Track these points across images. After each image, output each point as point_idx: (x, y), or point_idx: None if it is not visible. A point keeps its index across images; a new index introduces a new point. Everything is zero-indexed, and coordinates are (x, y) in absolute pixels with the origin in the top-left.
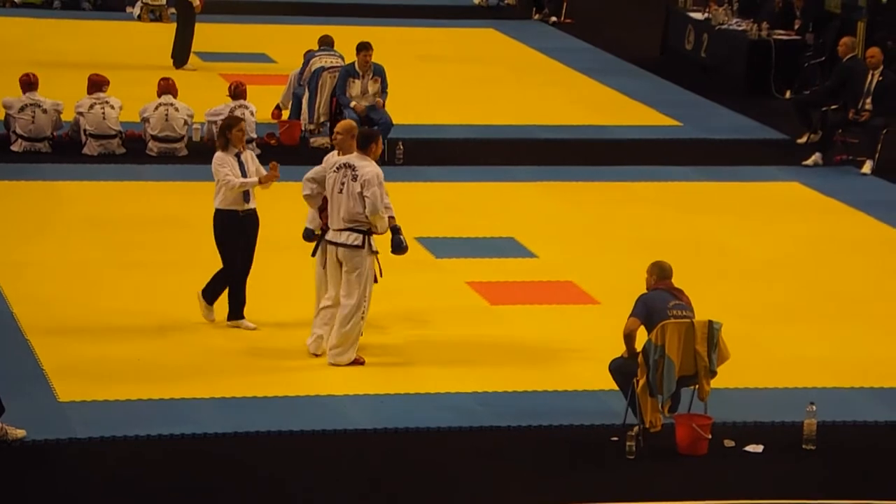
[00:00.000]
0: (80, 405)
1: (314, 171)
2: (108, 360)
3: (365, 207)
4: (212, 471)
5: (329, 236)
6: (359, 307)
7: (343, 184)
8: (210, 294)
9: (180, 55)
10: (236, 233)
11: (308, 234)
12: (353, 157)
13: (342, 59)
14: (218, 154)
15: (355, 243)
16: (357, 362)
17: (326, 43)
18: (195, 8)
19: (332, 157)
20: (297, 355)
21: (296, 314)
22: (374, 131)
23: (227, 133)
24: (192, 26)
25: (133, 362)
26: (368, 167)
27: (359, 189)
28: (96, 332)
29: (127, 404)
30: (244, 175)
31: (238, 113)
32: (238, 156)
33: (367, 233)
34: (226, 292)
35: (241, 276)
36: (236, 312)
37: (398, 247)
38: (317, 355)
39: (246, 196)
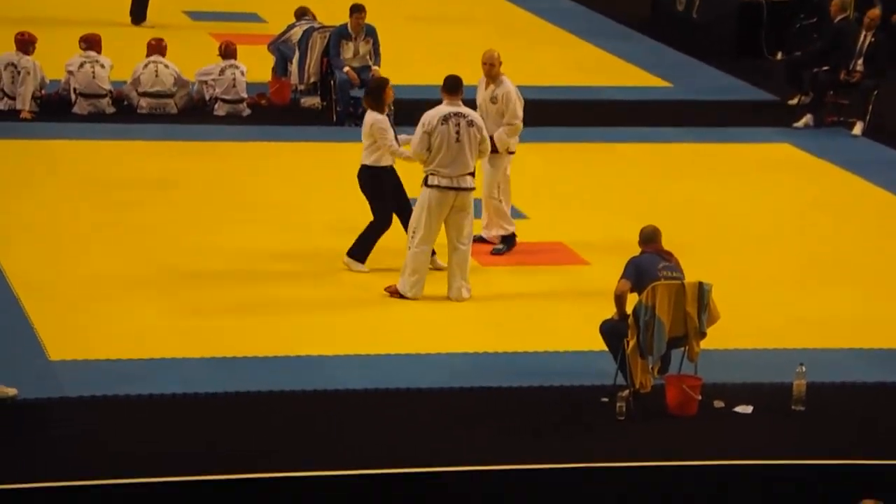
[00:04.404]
0: (71, 364)
1: (419, 129)
2: (98, 319)
3: (481, 152)
4: (202, 430)
5: (448, 183)
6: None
7: (458, 132)
8: (361, 251)
9: (138, 12)
10: (388, 187)
11: None
12: (452, 105)
13: (323, 25)
14: (378, 117)
15: (473, 185)
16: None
17: (303, 14)
18: None
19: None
20: (286, 315)
21: (284, 276)
22: (459, 78)
23: (381, 93)
24: None
25: (123, 322)
26: (472, 111)
27: (478, 136)
28: (87, 291)
29: (117, 363)
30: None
31: (228, 73)
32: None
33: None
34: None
35: (385, 224)
36: (361, 255)
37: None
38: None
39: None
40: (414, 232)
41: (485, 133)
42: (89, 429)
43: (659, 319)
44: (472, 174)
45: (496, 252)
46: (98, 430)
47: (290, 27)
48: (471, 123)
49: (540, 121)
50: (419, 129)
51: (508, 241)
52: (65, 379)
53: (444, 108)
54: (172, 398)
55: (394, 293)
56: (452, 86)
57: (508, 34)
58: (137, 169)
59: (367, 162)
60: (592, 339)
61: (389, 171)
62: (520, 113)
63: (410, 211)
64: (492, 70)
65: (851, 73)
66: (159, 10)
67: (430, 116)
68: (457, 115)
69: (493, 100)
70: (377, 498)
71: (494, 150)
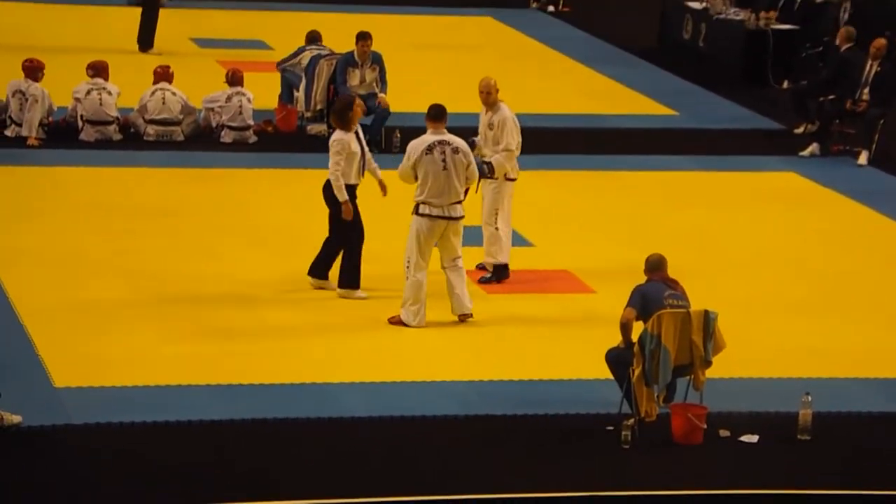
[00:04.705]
0: (76, 391)
1: (406, 162)
2: (104, 345)
3: (468, 178)
4: (207, 458)
5: (439, 213)
6: None
7: (444, 161)
8: (350, 278)
9: (145, 39)
10: (353, 205)
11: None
12: (437, 133)
13: (332, 52)
14: (343, 136)
15: (462, 214)
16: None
17: (314, 39)
18: None
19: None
20: (293, 342)
21: (290, 303)
22: (443, 107)
23: (347, 112)
24: (157, 10)
25: (128, 348)
26: (458, 138)
27: (464, 161)
28: (92, 318)
29: (122, 390)
30: (362, 147)
31: (235, 100)
32: (356, 133)
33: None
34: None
35: (359, 245)
36: (352, 282)
37: (480, 173)
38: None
39: (361, 171)
40: (408, 261)
41: (471, 158)
42: (95, 456)
43: (664, 348)
44: (460, 201)
45: (483, 281)
46: (104, 458)
47: (301, 50)
48: (456, 150)
49: (546, 148)
50: (405, 160)
51: (498, 272)
52: (70, 406)
53: (428, 138)
54: (177, 425)
55: (397, 323)
56: (437, 114)
57: (515, 62)
58: (144, 196)
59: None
60: (598, 368)
61: (353, 190)
62: (516, 139)
63: (360, 237)
64: (488, 98)
65: (857, 102)
66: (167, 38)
67: (415, 146)
68: (441, 143)
69: (491, 126)
70: None
71: (493, 174)
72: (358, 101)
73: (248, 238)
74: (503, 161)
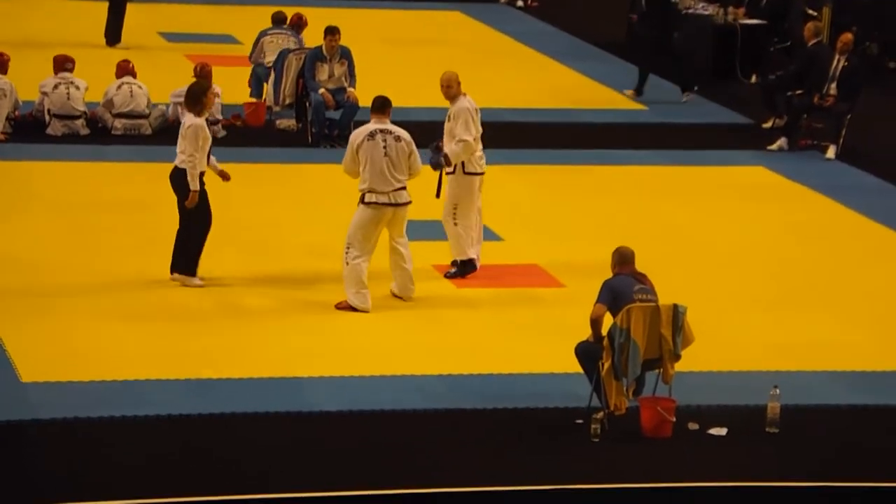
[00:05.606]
0: (44, 386)
1: (348, 151)
2: (71, 340)
3: (411, 167)
4: (175, 452)
5: (383, 199)
6: None
7: (385, 147)
8: (188, 263)
9: (112, 34)
10: (202, 192)
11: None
12: (380, 123)
13: (295, 36)
14: (197, 121)
15: (409, 199)
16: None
17: (278, 20)
18: None
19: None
20: (259, 336)
21: (259, 298)
22: (387, 98)
23: (201, 97)
24: (124, 4)
25: (96, 343)
26: (401, 129)
27: (406, 150)
28: (59, 313)
29: (90, 385)
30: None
31: None
32: (207, 121)
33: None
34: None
35: (204, 233)
36: (191, 268)
37: (436, 164)
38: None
39: (208, 159)
40: (349, 247)
41: (413, 148)
42: (63, 452)
43: (634, 342)
44: (404, 187)
45: (449, 276)
46: (72, 453)
47: (262, 35)
48: (398, 139)
49: (515, 143)
50: (347, 150)
51: (463, 266)
52: (36, 401)
53: (370, 126)
54: (144, 420)
55: (345, 308)
56: (380, 106)
57: (485, 57)
58: (112, 191)
59: (185, 166)
60: (567, 362)
61: (201, 177)
62: (472, 131)
63: (207, 222)
64: (449, 91)
65: (825, 97)
66: (134, 32)
67: (357, 134)
68: (383, 131)
69: (449, 118)
70: None
71: (448, 164)
72: (213, 88)
73: (215, 232)
74: (459, 151)
